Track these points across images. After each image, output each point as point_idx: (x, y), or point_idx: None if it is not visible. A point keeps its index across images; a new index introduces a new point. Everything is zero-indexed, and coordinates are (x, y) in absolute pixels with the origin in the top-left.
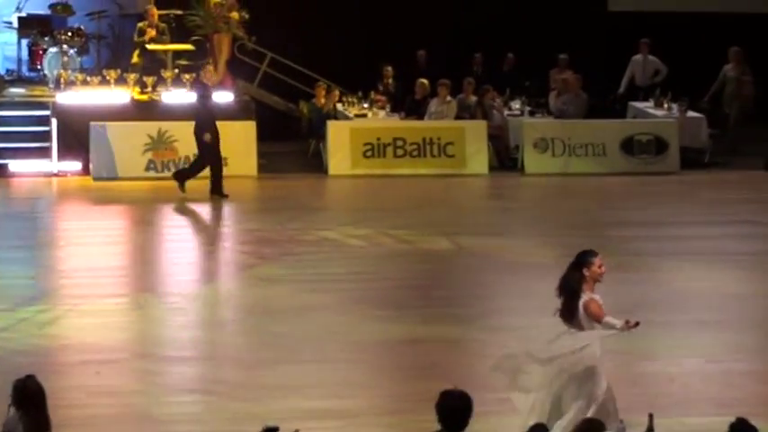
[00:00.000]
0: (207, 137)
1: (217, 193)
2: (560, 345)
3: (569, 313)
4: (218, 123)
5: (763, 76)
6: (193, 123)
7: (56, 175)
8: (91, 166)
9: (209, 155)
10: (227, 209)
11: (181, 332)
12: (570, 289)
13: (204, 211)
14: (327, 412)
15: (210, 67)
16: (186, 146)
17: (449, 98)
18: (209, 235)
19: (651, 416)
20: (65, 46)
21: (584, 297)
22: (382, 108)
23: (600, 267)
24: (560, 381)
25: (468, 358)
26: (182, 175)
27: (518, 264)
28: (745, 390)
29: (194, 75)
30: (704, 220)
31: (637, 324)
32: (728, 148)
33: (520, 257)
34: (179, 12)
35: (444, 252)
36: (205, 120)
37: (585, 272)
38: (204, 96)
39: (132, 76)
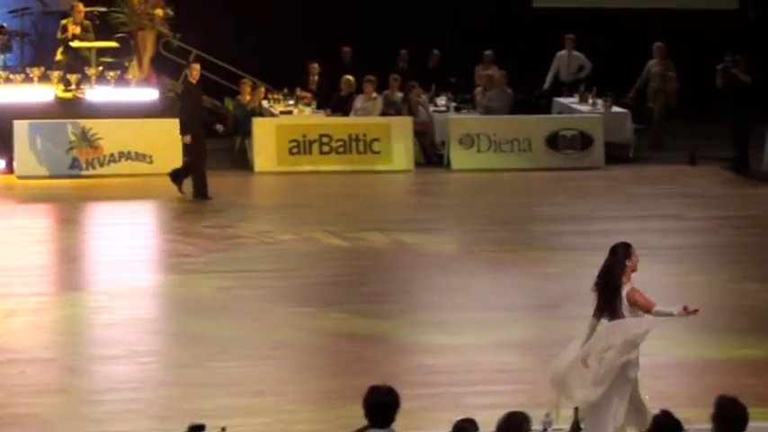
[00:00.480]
0: (186, 138)
1: (200, 196)
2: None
3: (611, 307)
4: (144, 121)
5: (686, 71)
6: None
7: None
8: (15, 164)
9: (196, 156)
10: (153, 206)
11: (106, 330)
12: (614, 282)
13: (129, 209)
14: (253, 409)
15: (135, 64)
16: (111, 143)
17: (374, 94)
18: (134, 233)
19: (576, 409)
20: None
21: (626, 287)
22: (308, 105)
23: (637, 257)
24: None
25: (395, 354)
26: (176, 176)
27: (445, 259)
28: (672, 382)
29: (183, 74)
30: (629, 215)
31: (696, 311)
32: (653, 143)
33: (446, 253)
34: (103, 9)
35: (370, 248)
36: (187, 121)
37: (628, 262)
38: (187, 96)
39: (56, 74)
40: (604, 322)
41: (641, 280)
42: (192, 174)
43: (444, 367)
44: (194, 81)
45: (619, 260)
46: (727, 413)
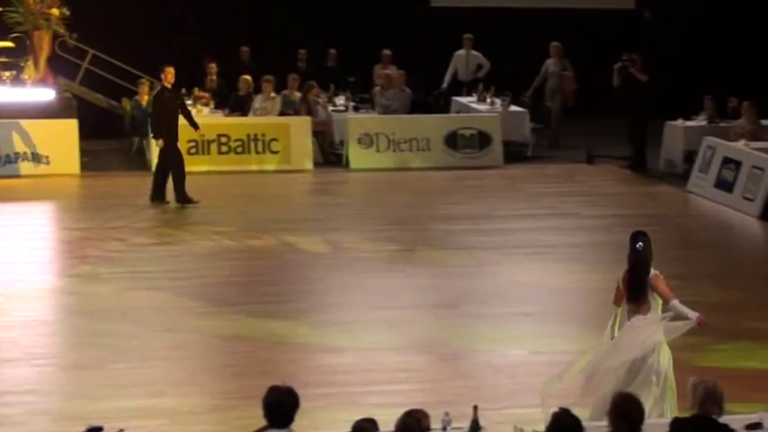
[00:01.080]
0: (159, 143)
1: (181, 201)
2: (627, 347)
3: (641, 288)
4: (40, 122)
5: (583, 70)
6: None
7: None
8: None
9: (166, 160)
10: (50, 207)
11: (2, 333)
12: (646, 262)
13: (26, 210)
14: (152, 411)
15: (31, 64)
16: (7, 144)
17: (273, 94)
18: (30, 234)
19: (476, 408)
20: None
21: (651, 272)
22: (206, 105)
23: None
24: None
25: (294, 354)
26: (155, 191)
27: (344, 259)
28: (572, 382)
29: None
30: (527, 214)
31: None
32: (550, 142)
33: (346, 253)
34: None
35: (269, 248)
36: (158, 124)
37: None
38: (160, 100)
39: None
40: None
41: (539, 279)
42: (173, 178)
43: (343, 367)
44: (168, 84)
45: (647, 248)
46: (623, 409)
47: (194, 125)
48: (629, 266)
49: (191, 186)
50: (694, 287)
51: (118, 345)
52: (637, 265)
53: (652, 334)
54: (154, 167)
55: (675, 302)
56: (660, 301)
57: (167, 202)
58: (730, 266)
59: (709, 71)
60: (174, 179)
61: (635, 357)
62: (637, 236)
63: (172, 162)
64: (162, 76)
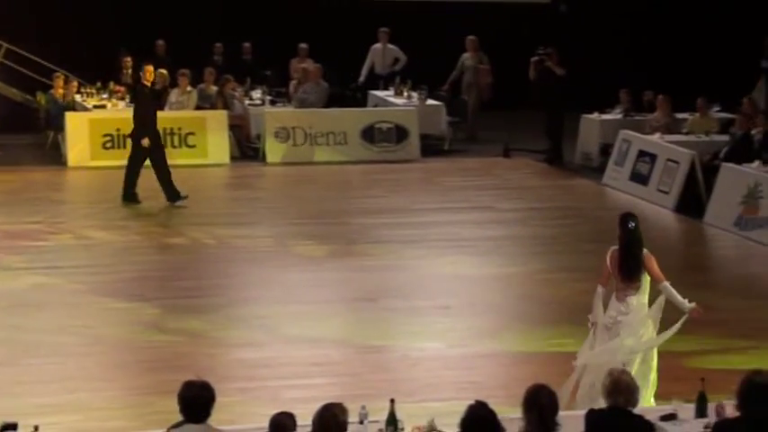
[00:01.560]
0: (145, 141)
1: (173, 198)
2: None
3: (636, 267)
4: None
5: (499, 64)
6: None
7: None
8: None
9: (153, 159)
10: None
11: None
12: (640, 240)
13: None
14: (66, 407)
15: None
16: None
17: (189, 88)
18: None
19: (393, 401)
20: None
21: (645, 252)
22: (122, 99)
23: None
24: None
25: (210, 348)
26: (126, 192)
27: (261, 253)
28: (484, 373)
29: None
30: (445, 207)
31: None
32: (467, 136)
33: (263, 247)
34: None
35: (186, 243)
36: (142, 123)
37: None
38: (142, 99)
39: None
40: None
41: (456, 272)
42: (159, 179)
43: (261, 361)
44: (148, 83)
45: (638, 228)
46: (534, 399)
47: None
48: (621, 246)
49: (109, 181)
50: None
51: (32, 340)
52: (631, 245)
53: (642, 333)
54: (126, 166)
55: (666, 284)
56: (649, 280)
57: (185, 197)
58: None
59: (624, 65)
60: (162, 178)
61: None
62: (627, 217)
63: (159, 161)
64: (142, 74)
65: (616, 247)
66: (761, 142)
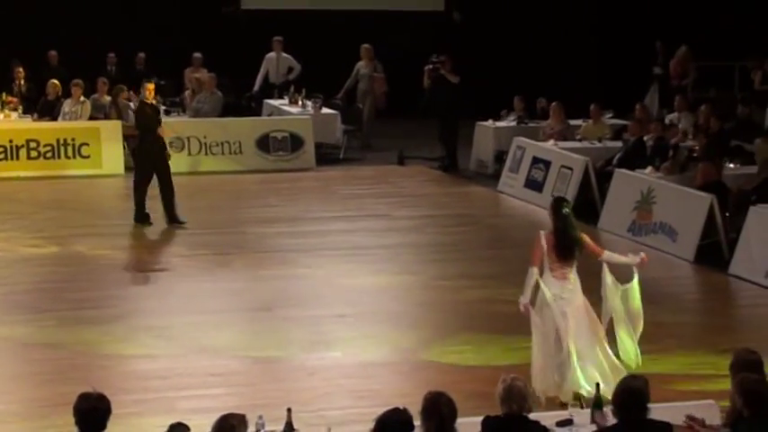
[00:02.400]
0: (168, 154)
1: (173, 221)
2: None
3: (571, 249)
4: None
5: (394, 72)
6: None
7: None
8: None
9: (160, 176)
10: None
11: None
12: (573, 225)
13: None
14: None
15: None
16: None
17: (82, 98)
18: None
19: (290, 410)
20: None
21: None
22: (14, 110)
23: None
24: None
25: (106, 360)
26: (169, 212)
27: (157, 264)
28: (382, 381)
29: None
30: (340, 216)
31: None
32: (362, 144)
33: (158, 257)
34: None
35: (80, 254)
36: (142, 139)
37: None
38: (141, 116)
39: None
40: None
41: (353, 281)
42: (162, 198)
43: (157, 372)
44: (148, 100)
45: (571, 212)
46: (433, 407)
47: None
48: (556, 230)
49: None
50: (506, 286)
51: None
52: (567, 228)
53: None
54: (134, 188)
55: (607, 254)
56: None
57: (151, 224)
58: None
59: (518, 72)
60: (165, 198)
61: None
62: (559, 202)
63: (164, 180)
64: (142, 91)
65: (545, 230)
66: (653, 148)
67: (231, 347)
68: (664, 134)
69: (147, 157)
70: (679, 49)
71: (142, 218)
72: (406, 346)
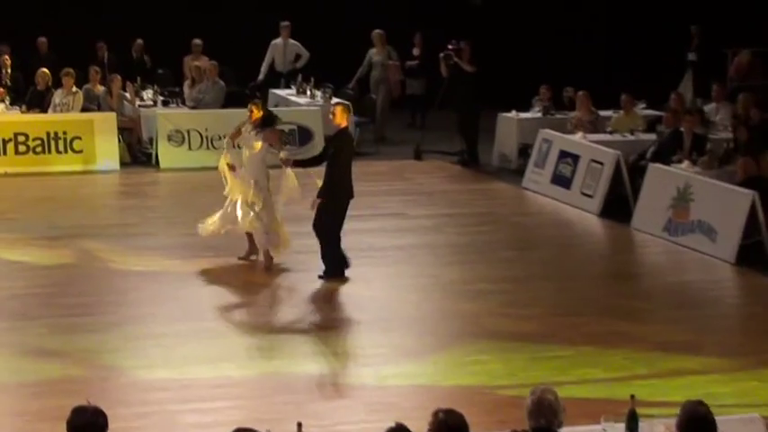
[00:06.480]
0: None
1: None
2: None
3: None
4: None
5: (409, 60)
6: None
7: None
8: None
9: None
10: None
11: None
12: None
13: None
14: None
15: None
16: None
17: (74, 88)
18: None
19: (300, 425)
20: None
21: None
22: (1, 101)
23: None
24: None
25: (103, 371)
26: None
27: (155, 267)
28: (397, 393)
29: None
30: (352, 214)
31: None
32: (376, 137)
33: (157, 261)
34: None
35: (73, 257)
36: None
37: None
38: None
39: None
40: None
41: (365, 284)
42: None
43: (157, 383)
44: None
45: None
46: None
47: None
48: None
49: None
50: (530, 290)
51: None
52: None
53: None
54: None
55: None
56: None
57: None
58: (568, 267)
59: (543, 59)
60: None
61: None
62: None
63: None
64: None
65: None
66: (690, 141)
67: (236, 357)
68: (701, 125)
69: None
70: (741, 53)
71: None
72: (422, 356)
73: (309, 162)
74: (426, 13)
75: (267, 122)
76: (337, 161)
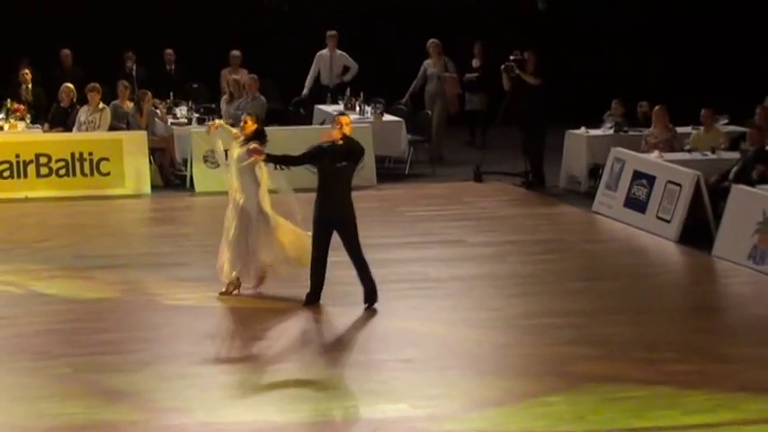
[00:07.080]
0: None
1: None
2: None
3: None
4: None
5: (468, 71)
6: None
7: None
8: None
9: None
10: None
11: None
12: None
13: None
14: None
15: None
16: None
17: (101, 105)
18: None
19: None
20: None
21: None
22: (21, 119)
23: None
24: None
25: (137, 413)
26: None
27: (192, 300)
28: None
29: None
30: (405, 242)
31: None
32: (432, 157)
33: (192, 293)
34: None
35: (100, 289)
36: None
37: None
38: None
39: None
40: None
41: (420, 318)
42: None
43: (194, 428)
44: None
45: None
46: None
47: None
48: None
49: (5, 217)
50: (602, 325)
51: None
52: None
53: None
54: None
55: None
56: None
57: None
58: (643, 300)
59: (616, 71)
60: None
61: None
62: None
63: None
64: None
65: None
66: None
67: (278, 398)
68: None
69: None
70: None
71: None
72: (483, 396)
73: (283, 159)
74: (487, 21)
75: (257, 137)
76: (321, 173)
